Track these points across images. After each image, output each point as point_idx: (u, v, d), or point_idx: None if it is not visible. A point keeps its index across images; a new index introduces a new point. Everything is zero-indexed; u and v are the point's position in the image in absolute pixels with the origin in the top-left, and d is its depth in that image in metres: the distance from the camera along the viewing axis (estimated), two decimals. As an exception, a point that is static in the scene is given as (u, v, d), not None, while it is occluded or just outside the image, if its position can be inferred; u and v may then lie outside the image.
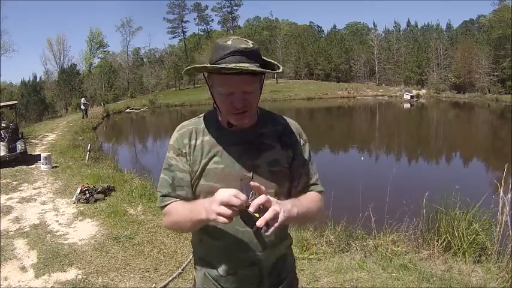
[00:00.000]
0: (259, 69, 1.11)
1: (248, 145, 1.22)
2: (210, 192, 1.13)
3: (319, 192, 1.35)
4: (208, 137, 1.24)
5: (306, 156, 1.33)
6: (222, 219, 1.02)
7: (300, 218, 1.18)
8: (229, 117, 1.19)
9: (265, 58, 1.18)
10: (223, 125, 1.24)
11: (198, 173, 1.22)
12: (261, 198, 1.04)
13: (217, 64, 1.11)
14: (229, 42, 1.13)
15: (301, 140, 1.32)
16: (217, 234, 1.22)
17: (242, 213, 1.04)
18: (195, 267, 1.37)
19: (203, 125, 1.27)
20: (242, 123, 1.21)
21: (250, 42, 1.14)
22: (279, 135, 1.28)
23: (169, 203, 1.24)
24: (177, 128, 1.30)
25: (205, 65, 1.13)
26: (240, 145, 1.22)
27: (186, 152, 1.24)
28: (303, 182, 1.32)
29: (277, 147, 1.26)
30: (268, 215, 1.02)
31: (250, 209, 1.02)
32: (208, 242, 1.27)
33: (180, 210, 1.20)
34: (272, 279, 1.30)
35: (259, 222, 1.01)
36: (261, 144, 1.24)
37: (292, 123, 1.34)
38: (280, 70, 1.18)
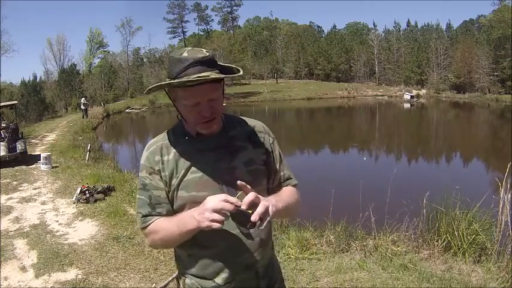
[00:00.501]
0: (224, 75, 1.14)
1: (221, 149, 1.24)
2: (195, 202, 1.16)
3: (294, 185, 1.40)
4: (179, 149, 1.23)
5: (277, 152, 1.37)
6: (216, 224, 1.06)
7: (283, 211, 1.25)
8: (197, 126, 1.21)
9: (221, 63, 1.20)
10: (193, 135, 1.24)
11: (176, 186, 1.21)
12: (251, 196, 1.08)
13: (179, 78, 1.12)
14: (185, 54, 1.14)
15: (270, 138, 1.36)
16: (209, 243, 1.22)
17: (234, 213, 1.07)
18: (183, 283, 1.33)
19: (173, 138, 1.26)
20: (211, 131, 1.22)
21: (205, 50, 1.16)
22: (249, 136, 1.31)
23: (151, 222, 1.24)
24: (147, 146, 1.29)
25: (170, 81, 1.13)
26: (213, 151, 1.23)
27: (159, 169, 1.23)
28: (278, 178, 1.37)
29: (249, 147, 1.29)
30: (260, 209, 1.06)
31: (243, 207, 1.06)
32: (200, 254, 1.25)
33: (165, 226, 1.20)
34: (266, 282, 1.31)
35: (254, 217, 1.05)
36: (233, 146, 1.26)
37: (259, 123, 1.37)
38: (241, 73, 1.20)
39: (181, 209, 1.21)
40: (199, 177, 1.21)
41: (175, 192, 1.22)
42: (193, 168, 1.21)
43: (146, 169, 1.25)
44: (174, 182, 1.22)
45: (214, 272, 1.25)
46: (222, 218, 1.06)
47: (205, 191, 1.17)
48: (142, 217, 1.25)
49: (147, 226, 1.24)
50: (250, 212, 1.06)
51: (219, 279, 1.24)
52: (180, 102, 1.19)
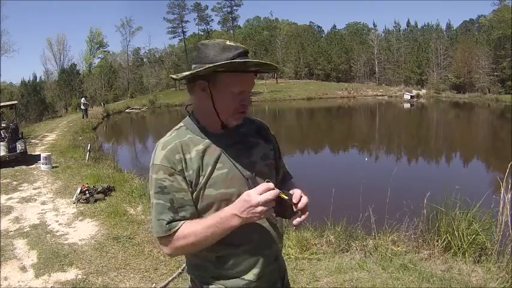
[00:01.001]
0: (277, 65, 1.23)
1: (239, 145, 1.24)
2: (224, 200, 1.15)
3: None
4: (201, 146, 1.19)
5: (278, 148, 1.41)
6: (267, 213, 1.08)
7: None
8: (232, 117, 1.20)
9: None
10: (210, 131, 1.21)
11: (203, 184, 1.16)
12: (299, 191, 1.15)
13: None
14: (230, 43, 1.16)
15: (272, 135, 1.40)
16: (242, 240, 1.19)
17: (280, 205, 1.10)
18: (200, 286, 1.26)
19: (189, 135, 1.21)
20: (239, 122, 1.23)
21: None
22: (258, 132, 1.33)
23: (178, 228, 1.14)
24: (159, 146, 1.19)
25: (248, 60, 1.12)
26: (232, 146, 1.21)
27: (181, 169, 1.15)
28: (282, 172, 1.43)
29: (261, 142, 1.31)
30: (304, 200, 1.14)
31: (294, 200, 1.11)
32: (232, 253, 1.20)
33: (198, 229, 1.12)
34: (279, 272, 1.34)
35: (303, 218, 1.14)
36: (248, 142, 1.27)
37: (261, 121, 1.41)
38: (278, 68, 1.27)
39: (207, 208, 1.17)
40: (226, 173, 1.18)
41: (201, 191, 1.16)
42: (218, 165, 1.18)
43: (165, 170, 1.15)
44: (201, 180, 1.16)
45: (246, 268, 1.22)
46: (273, 205, 1.07)
47: (233, 187, 1.17)
48: (167, 224, 1.14)
49: (174, 233, 1.14)
50: (294, 201, 1.11)
51: (250, 275, 1.22)
52: (224, 89, 1.15)
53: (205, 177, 1.16)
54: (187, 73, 1.16)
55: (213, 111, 1.19)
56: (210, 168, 1.17)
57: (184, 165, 1.15)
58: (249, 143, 1.27)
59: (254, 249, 1.22)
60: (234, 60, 1.10)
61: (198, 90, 1.19)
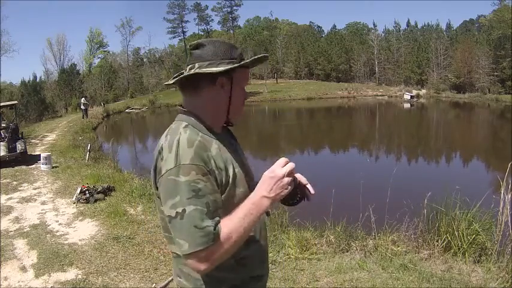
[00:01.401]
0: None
1: (232, 145, 1.24)
2: (245, 198, 1.11)
3: None
4: (215, 145, 1.12)
5: None
6: (292, 184, 1.10)
7: None
8: (238, 114, 1.23)
9: None
10: (214, 130, 1.17)
11: (231, 183, 1.10)
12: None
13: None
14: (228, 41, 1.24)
15: None
16: (259, 235, 1.22)
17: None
18: None
19: (201, 133, 1.12)
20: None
21: None
22: (231, 136, 1.32)
23: (220, 231, 1.02)
24: (183, 143, 1.05)
25: (267, 54, 1.24)
26: (230, 146, 1.20)
27: (212, 168, 1.05)
28: None
29: (238, 145, 1.32)
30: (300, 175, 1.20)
31: (308, 184, 1.20)
32: (250, 253, 1.16)
33: (236, 222, 1.03)
34: None
35: (312, 190, 1.20)
36: (233, 143, 1.29)
37: None
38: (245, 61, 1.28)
39: (233, 209, 1.08)
40: (240, 172, 1.16)
41: (230, 191, 1.10)
42: (234, 163, 1.14)
43: (198, 169, 1.02)
44: (228, 179, 1.10)
45: (261, 265, 1.24)
46: (293, 178, 1.11)
47: (245, 186, 1.17)
48: (214, 231, 1.00)
49: (218, 238, 1.01)
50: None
51: (265, 270, 1.26)
52: (237, 85, 1.18)
53: (232, 176, 1.10)
54: (230, 66, 1.11)
55: (223, 109, 1.18)
56: (231, 166, 1.12)
57: (214, 164, 1.06)
58: (234, 144, 1.28)
59: (264, 244, 1.25)
60: (266, 54, 1.22)
61: (212, 88, 1.14)
